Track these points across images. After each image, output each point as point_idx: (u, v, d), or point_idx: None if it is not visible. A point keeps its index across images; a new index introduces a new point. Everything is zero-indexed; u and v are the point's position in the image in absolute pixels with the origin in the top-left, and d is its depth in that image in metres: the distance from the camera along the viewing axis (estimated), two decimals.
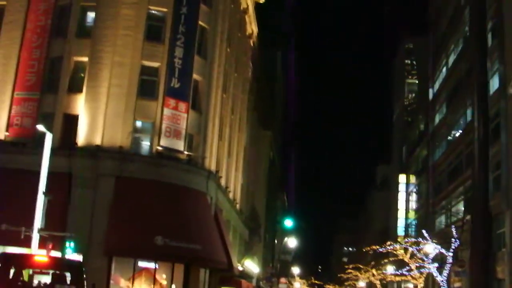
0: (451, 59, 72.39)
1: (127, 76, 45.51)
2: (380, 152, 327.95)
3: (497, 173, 51.99)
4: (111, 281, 42.53)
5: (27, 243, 34.05)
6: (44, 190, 34.78)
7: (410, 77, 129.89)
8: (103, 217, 42.14)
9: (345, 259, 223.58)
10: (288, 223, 56.52)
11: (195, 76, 48.06)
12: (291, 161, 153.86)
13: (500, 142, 50.77)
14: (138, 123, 46.25)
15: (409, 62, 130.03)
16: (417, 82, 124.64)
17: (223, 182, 55.80)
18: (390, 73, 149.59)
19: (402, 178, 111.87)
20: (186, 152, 46.41)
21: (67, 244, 36.60)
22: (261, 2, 72.67)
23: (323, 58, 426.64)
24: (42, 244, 33.88)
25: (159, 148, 45.13)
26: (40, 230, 34.29)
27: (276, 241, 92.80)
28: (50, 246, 35.33)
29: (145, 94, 46.06)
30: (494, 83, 53.81)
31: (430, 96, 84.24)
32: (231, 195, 61.29)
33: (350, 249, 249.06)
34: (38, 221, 34.28)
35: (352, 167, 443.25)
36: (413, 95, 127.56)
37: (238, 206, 66.40)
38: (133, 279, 43.85)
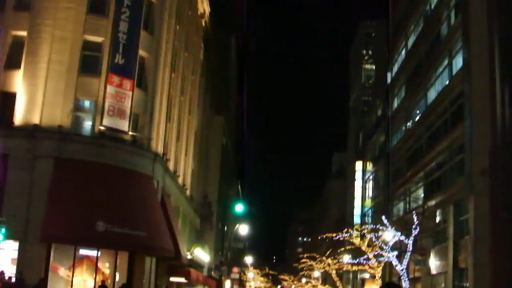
0: (411, 41, 70.47)
1: (68, 51, 42.71)
2: (336, 141, 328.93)
3: (459, 157, 50.12)
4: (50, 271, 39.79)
5: None
6: None
7: (367, 62, 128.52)
8: (41, 201, 39.14)
9: (300, 250, 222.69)
10: (239, 207, 53.82)
11: (141, 52, 45.35)
12: (245, 148, 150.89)
13: (463, 124, 48.72)
14: (80, 101, 43.38)
15: (366, 47, 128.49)
16: (374, 67, 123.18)
17: (171, 166, 53.16)
18: (347, 59, 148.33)
19: (358, 165, 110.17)
20: (130, 133, 43.76)
21: None
22: None
23: (277, 43, 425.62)
24: None
25: (102, 128, 42.34)
26: None
27: (226, 228, 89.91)
28: None
29: (87, 71, 43.28)
30: (457, 63, 51.84)
31: (389, 80, 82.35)
32: (180, 180, 58.73)
33: (305, 239, 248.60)
34: None
35: (308, 157, 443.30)
36: (371, 81, 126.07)
37: (188, 192, 63.85)
38: (73, 268, 41.11)
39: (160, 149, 47.08)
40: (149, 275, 46.09)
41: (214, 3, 72.77)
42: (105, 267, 42.91)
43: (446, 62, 55.38)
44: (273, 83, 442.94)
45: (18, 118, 41.56)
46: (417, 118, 64.88)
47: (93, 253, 42.00)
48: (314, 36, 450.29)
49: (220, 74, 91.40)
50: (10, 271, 38.92)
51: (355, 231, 62.20)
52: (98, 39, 43.82)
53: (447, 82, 54.49)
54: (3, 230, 34.35)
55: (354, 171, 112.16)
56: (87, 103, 43.79)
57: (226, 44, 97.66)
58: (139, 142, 44.67)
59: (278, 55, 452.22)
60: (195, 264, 61.83)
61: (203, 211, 75.02)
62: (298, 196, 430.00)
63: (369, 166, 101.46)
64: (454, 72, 52.82)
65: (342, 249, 75.84)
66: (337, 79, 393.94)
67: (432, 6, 61.52)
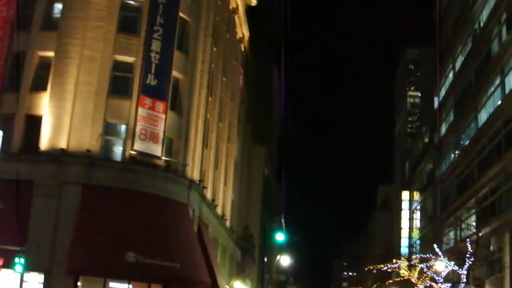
0: (459, 63, 67.40)
1: (97, 72, 40.51)
2: (381, 173, 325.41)
3: None
4: None
5: None
6: None
7: (412, 89, 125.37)
8: (67, 230, 36.72)
9: (345, 284, 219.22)
10: (280, 236, 50.91)
11: (175, 73, 42.98)
12: (286, 182, 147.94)
13: None
14: (109, 125, 40.88)
15: (411, 73, 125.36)
16: (420, 94, 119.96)
17: (208, 195, 50.46)
18: (392, 86, 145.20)
19: (405, 195, 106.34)
20: (164, 158, 41.11)
21: (17, 260, 31.64)
22: (252, 4, 67.74)
23: (319, 71, 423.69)
24: None
25: (133, 152, 39.80)
26: None
27: (267, 260, 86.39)
28: (1, 262, 30.94)
29: (118, 92, 41.08)
30: (511, 81, 48.79)
31: (436, 105, 79.16)
32: (219, 211, 55.97)
33: (350, 273, 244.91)
34: None
35: (353, 190, 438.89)
36: (416, 109, 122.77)
37: (228, 223, 61.06)
38: None
39: (196, 176, 44.41)
40: None
41: (254, 28, 70.55)
42: None
43: (498, 81, 52.28)
44: (314, 113, 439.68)
45: (44, 142, 39.30)
46: (467, 142, 61.67)
47: (124, 286, 39.24)
48: (357, 63, 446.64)
49: (262, 103, 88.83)
50: None
51: (403, 262, 58.60)
52: (129, 59, 41.59)
53: (499, 102, 51.36)
54: (23, 261, 31.77)
55: (400, 202, 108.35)
56: (117, 127, 41.30)
57: (267, 72, 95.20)
58: (173, 168, 42.06)
59: (319, 91, 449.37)
60: None
61: (244, 243, 72.18)
62: (343, 230, 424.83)
63: (416, 196, 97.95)
64: (507, 90, 49.74)
65: (390, 281, 71.99)
66: (381, 109, 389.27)
67: (481, 24, 58.46)
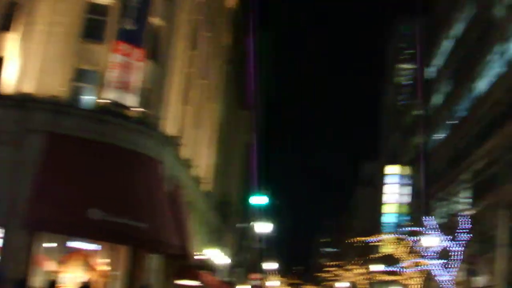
0: (456, 32, 64.43)
1: (70, 13, 37.19)
2: (365, 149, 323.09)
3: None
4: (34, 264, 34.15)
5: None
6: None
7: (403, 59, 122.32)
8: (29, 182, 33.40)
9: (325, 260, 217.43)
10: (260, 199, 47.55)
11: (154, 19, 39.80)
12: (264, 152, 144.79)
13: None
14: (80, 71, 37.59)
15: (404, 44, 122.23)
16: (411, 66, 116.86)
17: (187, 154, 47.38)
18: (382, 58, 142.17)
19: (390, 170, 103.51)
20: (138, 109, 37.95)
21: None
22: None
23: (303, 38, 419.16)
24: None
25: (104, 101, 36.61)
26: None
27: (244, 228, 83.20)
28: None
29: (91, 36, 37.91)
30: None
31: (429, 75, 76.35)
32: (196, 172, 52.96)
33: (330, 249, 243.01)
34: None
35: (337, 166, 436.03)
36: (407, 80, 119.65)
37: (206, 187, 58.11)
38: (64, 262, 35.56)
39: (172, 132, 41.28)
40: (155, 275, 40.39)
41: None
42: (102, 263, 37.22)
43: (501, 47, 49.38)
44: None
45: (7, 85, 35.94)
46: (463, 113, 58.86)
47: (88, 246, 36.38)
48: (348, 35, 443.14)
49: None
50: None
51: (389, 236, 55.52)
52: (105, 1, 38.53)
53: (501, 70, 48.51)
54: None
55: (386, 176, 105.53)
56: (89, 73, 38.03)
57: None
58: (148, 121, 38.91)
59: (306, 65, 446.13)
60: (210, 267, 55.89)
61: (223, 210, 69.34)
62: (325, 206, 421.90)
63: (404, 170, 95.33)
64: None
65: (375, 255, 68.93)
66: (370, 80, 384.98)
67: None
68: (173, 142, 41.39)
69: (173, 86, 41.32)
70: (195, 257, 46.27)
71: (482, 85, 53.56)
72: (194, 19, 46.57)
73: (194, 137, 50.98)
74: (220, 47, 60.83)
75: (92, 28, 37.97)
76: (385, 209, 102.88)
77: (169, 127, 40.78)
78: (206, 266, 53.68)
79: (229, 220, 71.78)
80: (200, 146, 53.79)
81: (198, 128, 52.23)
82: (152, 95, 39.76)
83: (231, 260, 61.63)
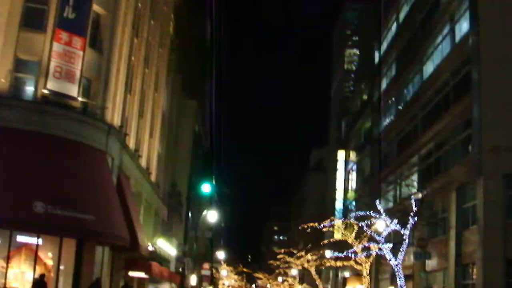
0: (403, 13, 64.31)
1: (9, 2, 35.97)
2: (316, 135, 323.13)
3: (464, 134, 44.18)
4: None
5: None
6: None
7: (350, 44, 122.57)
8: None
9: (276, 247, 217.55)
10: (206, 188, 46.86)
11: (96, 7, 38.78)
12: (218, 141, 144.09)
13: (469, 96, 42.71)
14: (20, 61, 36.42)
15: (350, 29, 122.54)
16: (358, 52, 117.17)
17: (132, 144, 46.61)
18: (329, 44, 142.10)
19: (340, 155, 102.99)
20: (80, 99, 36.93)
21: None
22: None
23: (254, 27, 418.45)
24: None
25: (46, 92, 35.53)
26: None
27: (192, 216, 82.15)
28: None
29: (31, 26, 36.71)
30: (462, 28, 45.88)
31: (376, 60, 76.22)
32: (143, 163, 52.23)
33: (282, 237, 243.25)
34: None
35: (286, 152, 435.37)
36: (355, 66, 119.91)
37: (154, 178, 57.34)
38: (8, 257, 34.51)
39: (116, 122, 40.41)
40: (103, 268, 39.57)
41: None
42: (48, 257, 36.24)
43: (447, 29, 49.37)
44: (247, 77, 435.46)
45: None
46: (411, 96, 58.80)
47: (33, 240, 35.37)
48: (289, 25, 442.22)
49: (195, 57, 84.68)
50: None
51: (338, 221, 55.22)
52: None
53: (448, 51, 48.43)
54: None
55: (335, 162, 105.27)
56: (29, 63, 36.78)
57: (200, 22, 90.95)
58: (91, 110, 38.01)
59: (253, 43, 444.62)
60: (159, 257, 55.18)
61: (172, 201, 68.58)
62: (275, 193, 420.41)
63: (353, 156, 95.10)
64: (457, 38, 46.79)
65: (325, 241, 68.69)
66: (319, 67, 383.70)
67: None
68: (118, 132, 40.53)
69: (117, 75, 40.36)
70: (145, 248, 45.54)
71: (429, 67, 53.46)
72: (137, 7, 45.72)
73: (139, 126, 50.22)
74: (164, 36, 59.89)
75: (32, 17, 36.80)
76: (335, 194, 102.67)
77: (114, 117, 39.89)
78: (156, 257, 53.02)
79: (178, 210, 71.05)
80: (145, 136, 52.97)
81: (142, 117, 51.42)
82: (95, 84, 38.86)
83: (181, 251, 60.93)
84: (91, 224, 34.18)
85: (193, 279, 78.25)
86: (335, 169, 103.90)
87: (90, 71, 38.11)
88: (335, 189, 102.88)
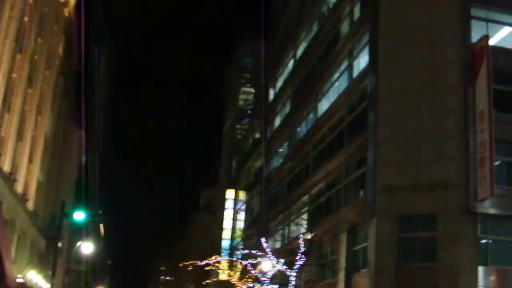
0: (301, 50, 63.05)
1: None
2: (208, 175, 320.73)
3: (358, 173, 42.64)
4: None
5: None
6: None
7: (244, 83, 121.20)
8: None
9: None
10: (78, 215, 43.61)
11: None
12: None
13: (365, 133, 41.30)
14: None
15: (245, 68, 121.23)
16: (253, 90, 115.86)
17: (6, 166, 43.26)
18: (223, 83, 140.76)
19: (229, 194, 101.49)
20: None
21: None
22: None
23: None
24: None
25: None
26: None
27: (60, 245, 77.64)
28: None
29: None
30: (360, 64, 44.67)
31: (271, 97, 74.78)
32: (19, 189, 48.78)
33: (168, 278, 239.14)
34: None
35: (176, 191, 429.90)
36: (249, 105, 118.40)
37: (31, 206, 53.82)
38: None
39: None
40: None
41: None
42: None
43: (345, 64, 48.27)
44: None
45: None
46: (304, 134, 57.32)
47: None
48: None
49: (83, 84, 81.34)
50: None
51: (223, 259, 53.00)
52: None
53: (344, 87, 47.20)
54: None
55: (224, 201, 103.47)
56: None
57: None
58: None
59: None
60: None
61: (51, 232, 64.78)
62: (162, 233, 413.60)
63: (242, 195, 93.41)
64: (355, 74, 45.57)
65: (209, 281, 66.27)
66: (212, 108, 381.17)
67: (331, 6, 54.30)
68: None
69: None
70: (12, 279, 42.04)
71: (324, 104, 52.18)
72: (23, 20, 42.81)
73: (17, 149, 46.94)
74: (52, 57, 56.85)
75: None
76: (223, 234, 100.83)
77: None
78: None
79: (56, 242, 67.32)
80: (24, 160, 49.64)
81: (21, 140, 48.17)
82: None
83: (54, 284, 57.24)
84: None
85: None
86: (224, 209, 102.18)
87: None
88: (222, 229, 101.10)
